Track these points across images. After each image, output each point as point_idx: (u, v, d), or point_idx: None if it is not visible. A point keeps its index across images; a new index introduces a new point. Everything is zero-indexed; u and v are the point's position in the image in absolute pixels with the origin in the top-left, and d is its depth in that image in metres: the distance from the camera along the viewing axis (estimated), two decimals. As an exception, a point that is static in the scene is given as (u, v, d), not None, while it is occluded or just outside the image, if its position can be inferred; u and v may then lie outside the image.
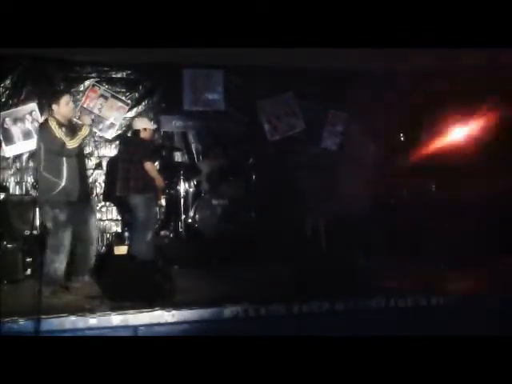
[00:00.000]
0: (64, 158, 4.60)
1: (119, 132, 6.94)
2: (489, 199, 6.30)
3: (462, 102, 6.90)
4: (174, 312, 3.83)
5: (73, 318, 3.73)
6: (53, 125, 4.60)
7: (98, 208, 6.79)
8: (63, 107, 4.71)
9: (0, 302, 3.87)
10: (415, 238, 6.19)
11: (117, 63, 6.94)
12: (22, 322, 3.61)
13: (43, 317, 3.71)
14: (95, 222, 5.02)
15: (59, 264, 4.57)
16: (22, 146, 6.59)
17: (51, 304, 4.10)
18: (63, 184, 4.58)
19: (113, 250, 6.05)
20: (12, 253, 5.29)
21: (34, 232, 6.30)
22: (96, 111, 6.86)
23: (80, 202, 4.71)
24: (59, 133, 4.57)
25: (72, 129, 4.73)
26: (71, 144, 4.58)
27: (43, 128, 4.72)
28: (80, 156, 4.84)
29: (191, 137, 7.30)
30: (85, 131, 4.72)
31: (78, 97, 6.82)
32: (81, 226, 4.76)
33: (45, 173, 4.61)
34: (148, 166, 5.38)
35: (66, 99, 4.77)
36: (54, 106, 4.74)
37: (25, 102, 6.60)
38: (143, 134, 5.58)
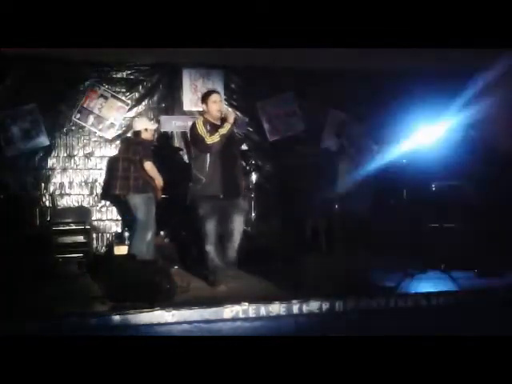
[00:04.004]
0: (207, 155, 4.81)
1: (119, 132, 6.93)
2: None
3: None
4: (173, 312, 3.83)
5: (73, 318, 3.74)
6: (199, 122, 4.88)
7: (98, 208, 6.82)
8: (211, 105, 4.92)
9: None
10: (415, 238, 6.19)
11: (117, 63, 6.94)
12: (21, 322, 3.61)
13: (43, 317, 3.72)
14: (240, 217, 5.07)
15: (213, 256, 4.88)
16: (22, 145, 6.60)
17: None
18: (205, 180, 4.81)
19: (113, 250, 6.06)
20: (12, 252, 5.30)
21: (34, 232, 6.35)
22: (96, 111, 6.87)
23: (225, 197, 4.87)
24: (202, 130, 4.82)
25: (216, 126, 4.89)
26: (209, 140, 4.79)
27: (192, 126, 4.97)
28: (226, 154, 4.92)
29: (191, 137, 7.31)
30: (225, 129, 4.84)
31: (78, 97, 6.82)
32: (225, 220, 4.96)
33: (193, 169, 4.91)
34: (148, 165, 5.38)
35: (213, 98, 4.95)
36: (203, 105, 4.98)
37: (25, 102, 6.59)
38: (144, 135, 5.58)
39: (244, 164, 6.41)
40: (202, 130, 4.83)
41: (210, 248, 4.91)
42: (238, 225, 5.01)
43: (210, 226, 4.89)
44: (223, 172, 4.86)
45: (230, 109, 5.03)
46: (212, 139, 4.78)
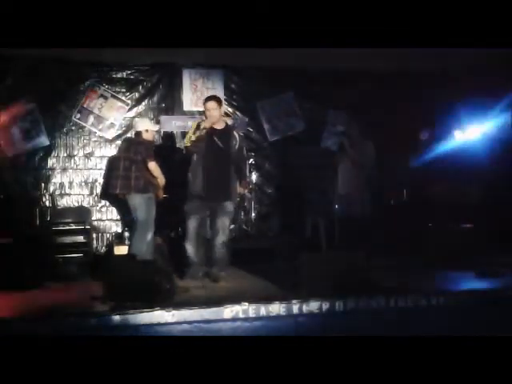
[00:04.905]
0: (194, 156, 5.07)
1: (119, 132, 6.93)
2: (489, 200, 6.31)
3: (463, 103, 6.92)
4: (173, 312, 3.82)
5: (73, 318, 3.74)
6: (194, 124, 5.16)
7: (98, 208, 6.82)
8: (206, 111, 5.10)
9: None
10: (415, 238, 6.19)
11: (117, 63, 6.94)
12: (21, 322, 3.61)
13: (43, 317, 3.72)
14: (225, 219, 5.16)
15: (190, 253, 5.07)
16: (22, 145, 6.60)
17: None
18: (190, 179, 5.09)
19: (113, 250, 6.06)
20: (12, 252, 5.29)
21: (34, 232, 6.34)
22: (96, 111, 6.87)
23: (210, 199, 5.05)
24: (190, 131, 5.07)
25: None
26: (185, 143, 5.13)
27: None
28: (214, 157, 5.06)
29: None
30: (195, 135, 4.97)
31: (78, 97, 6.81)
32: (211, 221, 5.16)
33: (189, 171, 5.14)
34: (152, 165, 5.38)
35: (208, 105, 5.09)
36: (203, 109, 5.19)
37: (25, 102, 6.59)
38: (145, 135, 5.56)
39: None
40: (190, 131, 5.05)
41: (187, 245, 5.07)
42: (222, 226, 5.11)
43: (192, 224, 5.05)
44: (207, 174, 5.01)
45: (209, 120, 5.06)
46: (185, 142, 5.08)
